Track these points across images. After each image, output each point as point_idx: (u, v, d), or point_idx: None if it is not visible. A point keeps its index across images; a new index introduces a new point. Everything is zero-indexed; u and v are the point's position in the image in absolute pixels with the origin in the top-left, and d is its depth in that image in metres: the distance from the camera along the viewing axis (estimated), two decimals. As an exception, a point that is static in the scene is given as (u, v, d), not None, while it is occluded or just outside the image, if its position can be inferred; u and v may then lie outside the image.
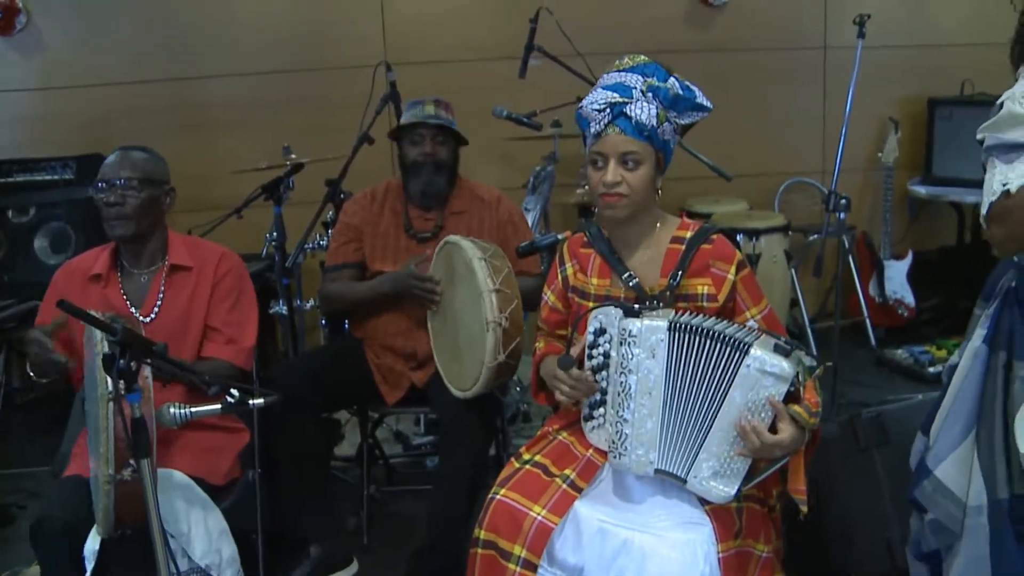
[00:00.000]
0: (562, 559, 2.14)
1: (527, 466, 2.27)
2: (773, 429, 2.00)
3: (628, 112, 2.18)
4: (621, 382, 2.13)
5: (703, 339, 2.05)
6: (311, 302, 4.13)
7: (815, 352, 5.04)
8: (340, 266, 3.26)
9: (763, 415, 2.00)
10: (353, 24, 4.92)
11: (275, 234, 3.69)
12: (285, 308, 3.73)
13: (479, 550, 2.19)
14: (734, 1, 5.23)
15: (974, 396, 1.98)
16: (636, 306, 2.16)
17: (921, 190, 5.36)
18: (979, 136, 1.92)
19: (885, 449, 2.60)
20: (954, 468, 1.99)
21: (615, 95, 2.19)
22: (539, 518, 2.13)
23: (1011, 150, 1.82)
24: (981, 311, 2.06)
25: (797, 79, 5.45)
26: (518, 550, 2.12)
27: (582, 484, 2.21)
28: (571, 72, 4.02)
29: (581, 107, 2.25)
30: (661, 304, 2.23)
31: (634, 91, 2.19)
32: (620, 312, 2.15)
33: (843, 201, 3.97)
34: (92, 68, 4.82)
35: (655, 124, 2.19)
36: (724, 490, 2.06)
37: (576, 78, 4.00)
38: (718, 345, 2.04)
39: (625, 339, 2.10)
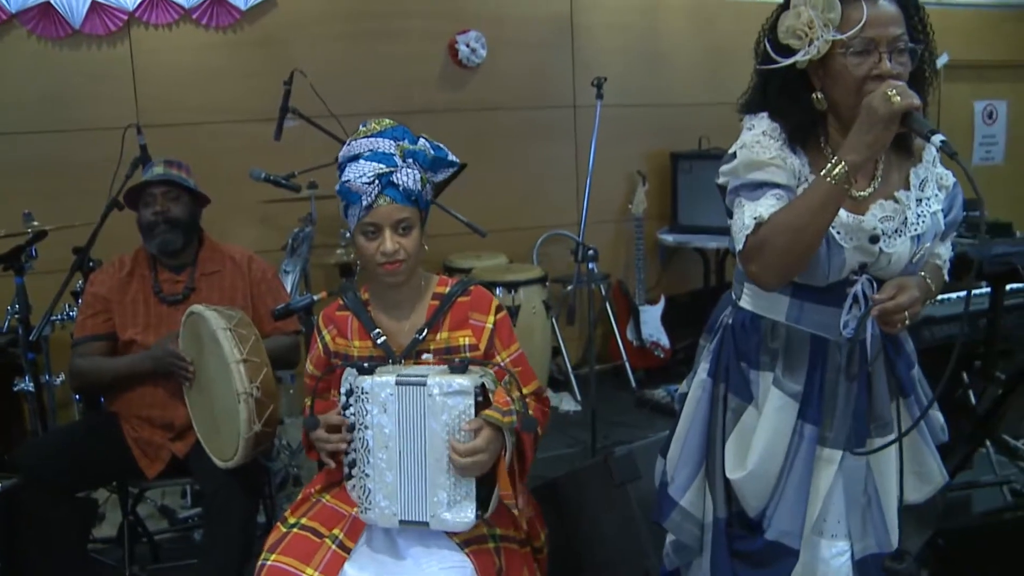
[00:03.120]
0: (335, 622, 2.13)
1: (295, 529, 2.26)
2: None
3: (395, 180, 2.24)
4: (361, 438, 2.18)
5: (413, 388, 2.15)
6: (62, 377, 3.91)
7: (578, 396, 5.25)
8: (89, 338, 3.11)
9: (462, 434, 2.11)
10: (102, 84, 4.73)
11: (17, 306, 3.49)
12: (32, 385, 3.52)
13: None
14: (487, 63, 5.44)
15: (703, 426, 2.16)
16: (367, 364, 2.22)
17: (669, 238, 5.74)
18: (721, 181, 2.01)
19: (638, 483, 2.74)
20: (694, 496, 2.18)
21: (381, 166, 2.23)
22: (313, 581, 2.12)
23: (756, 188, 1.91)
24: (706, 342, 2.24)
25: (550, 136, 5.72)
26: None
27: (350, 544, 2.23)
28: (326, 133, 4.05)
29: (346, 181, 2.26)
30: (403, 360, 2.31)
31: (395, 158, 2.25)
32: (355, 371, 2.21)
33: (591, 252, 4.15)
34: None
35: (420, 188, 2.27)
36: (464, 516, 2.14)
37: (332, 139, 4.03)
38: (413, 389, 2.14)
39: (359, 397, 2.17)
